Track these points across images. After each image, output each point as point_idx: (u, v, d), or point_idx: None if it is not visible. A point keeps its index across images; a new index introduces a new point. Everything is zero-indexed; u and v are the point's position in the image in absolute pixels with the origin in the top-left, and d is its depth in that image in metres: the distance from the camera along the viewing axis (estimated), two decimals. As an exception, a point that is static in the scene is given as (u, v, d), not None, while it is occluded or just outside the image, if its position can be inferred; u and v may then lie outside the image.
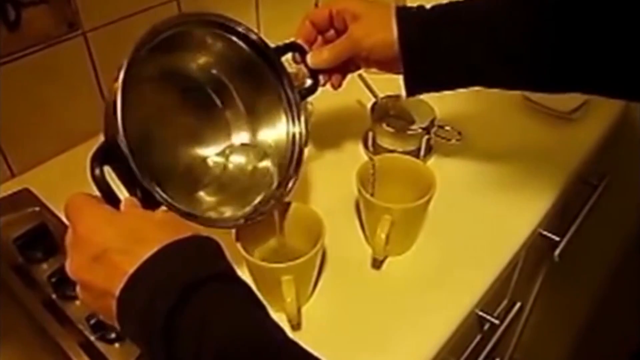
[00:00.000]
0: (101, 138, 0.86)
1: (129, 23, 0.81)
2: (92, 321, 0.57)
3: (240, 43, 0.60)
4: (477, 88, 0.65)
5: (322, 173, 0.78)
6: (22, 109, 0.75)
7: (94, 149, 0.49)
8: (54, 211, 0.71)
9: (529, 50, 0.59)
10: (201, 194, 0.63)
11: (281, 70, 0.62)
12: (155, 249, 0.39)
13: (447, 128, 0.81)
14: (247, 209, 0.59)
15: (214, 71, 0.63)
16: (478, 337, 0.82)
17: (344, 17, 0.64)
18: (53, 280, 0.62)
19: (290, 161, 0.62)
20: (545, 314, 1.27)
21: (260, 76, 0.62)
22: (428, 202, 0.63)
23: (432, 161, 0.81)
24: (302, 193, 0.67)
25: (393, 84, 0.91)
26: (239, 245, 0.57)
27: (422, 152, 0.79)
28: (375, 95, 0.80)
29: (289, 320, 0.58)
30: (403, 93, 0.66)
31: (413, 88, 0.65)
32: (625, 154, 1.04)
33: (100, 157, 0.48)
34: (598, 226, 1.07)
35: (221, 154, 0.64)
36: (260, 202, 0.60)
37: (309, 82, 0.67)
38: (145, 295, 0.38)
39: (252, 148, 0.64)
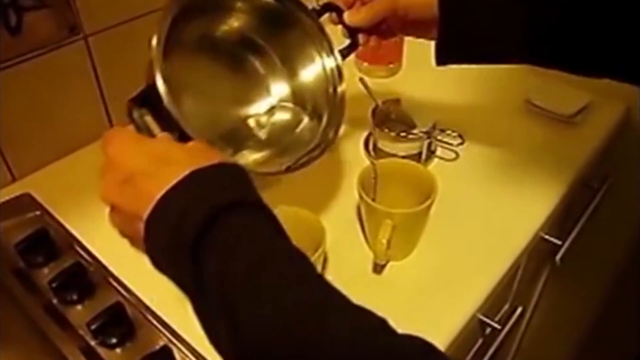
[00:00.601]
0: (100, 144, 0.86)
1: (130, 27, 0.82)
2: (93, 326, 0.57)
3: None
4: (498, 64, 0.64)
5: (324, 177, 0.78)
6: (23, 113, 0.75)
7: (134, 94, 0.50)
8: (55, 216, 0.71)
9: (567, 27, 0.58)
10: (244, 152, 0.63)
11: (311, 14, 0.63)
12: (184, 173, 0.39)
13: (449, 132, 0.81)
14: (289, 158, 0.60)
15: (243, 30, 0.64)
16: (479, 342, 0.82)
17: None
18: (54, 285, 0.62)
19: (334, 97, 0.64)
20: (547, 318, 1.26)
21: (289, 25, 0.64)
22: (429, 206, 0.63)
23: (433, 165, 0.81)
24: (303, 197, 0.67)
25: (394, 88, 0.91)
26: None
27: (423, 156, 0.79)
28: (375, 100, 0.80)
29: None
30: (433, 61, 0.65)
31: (444, 56, 0.64)
32: (627, 157, 1.03)
33: (139, 101, 0.50)
34: (600, 230, 1.06)
35: (263, 114, 0.65)
36: (309, 150, 0.60)
37: (347, 42, 0.67)
38: (174, 217, 0.38)
39: (292, 108, 0.66)
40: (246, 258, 0.37)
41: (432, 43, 0.65)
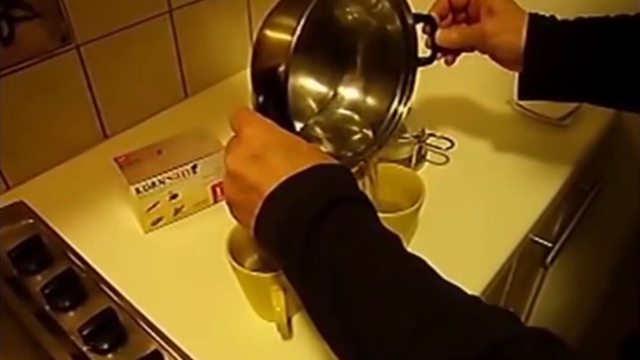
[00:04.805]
0: (95, 153, 0.87)
1: (122, 36, 0.82)
2: (85, 332, 0.58)
3: (395, 14, 0.62)
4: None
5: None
6: (16, 122, 0.76)
7: (255, 78, 0.52)
8: (48, 223, 0.71)
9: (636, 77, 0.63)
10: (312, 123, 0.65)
11: (413, 44, 0.64)
12: (311, 164, 0.44)
13: (439, 136, 0.82)
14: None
15: (357, 29, 0.65)
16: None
17: (480, 7, 0.68)
18: (46, 292, 0.62)
19: (384, 132, 0.65)
20: (540, 321, 1.27)
21: (392, 54, 0.65)
22: (417, 210, 0.64)
23: (423, 169, 0.81)
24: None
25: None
26: (229, 256, 0.57)
27: (413, 161, 0.80)
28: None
29: (278, 330, 0.59)
30: (515, 95, 0.70)
31: (526, 93, 0.69)
32: (618, 159, 1.04)
33: (261, 87, 0.52)
34: (591, 232, 1.07)
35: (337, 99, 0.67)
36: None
37: (428, 52, 0.71)
38: (295, 200, 0.43)
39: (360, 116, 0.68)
40: (358, 242, 0.42)
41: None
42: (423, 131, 0.79)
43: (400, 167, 0.71)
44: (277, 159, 0.45)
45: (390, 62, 0.65)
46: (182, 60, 0.94)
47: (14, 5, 0.69)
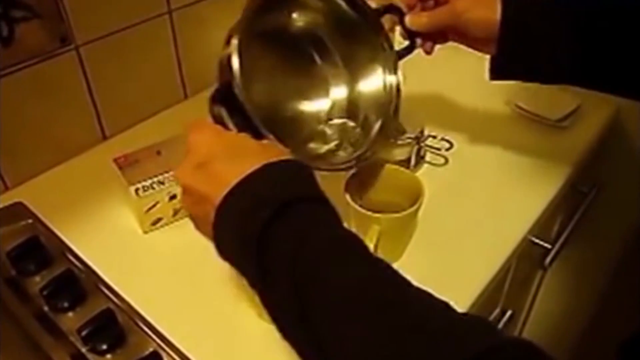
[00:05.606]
0: (94, 153, 0.88)
1: (121, 37, 0.82)
2: (84, 333, 0.58)
3: (342, 3, 0.64)
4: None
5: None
6: (15, 122, 0.76)
7: (212, 91, 0.54)
8: (47, 224, 0.71)
9: (619, 53, 0.60)
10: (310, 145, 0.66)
11: (379, 28, 0.65)
12: (259, 165, 0.42)
13: (438, 137, 0.82)
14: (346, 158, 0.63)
15: (315, 29, 0.66)
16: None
17: None
18: (45, 292, 0.62)
19: (388, 108, 0.65)
20: (539, 322, 1.27)
21: (359, 34, 0.66)
22: (416, 211, 0.64)
23: (422, 170, 0.81)
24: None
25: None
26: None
27: (412, 162, 0.80)
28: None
29: None
30: (487, 74, 0.67)
31: (499, 72, 0.66)
32: (616, 161, 1.04)
33: (218, 98, 0.53)
34: (590, 234, 1.07)
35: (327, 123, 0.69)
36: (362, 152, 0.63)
37: (405, 43, 0.69)
38: (246, 204, 0.41)
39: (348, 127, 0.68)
40: (315, 246, 0.40)
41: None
42: (422, 132, 0.79)
43: (400, 168, 0.71)
44: (224, 165, 0.43)
45: (367, 49, 0.66)
46: (181, 61, 0.94)
47: (14, 6, 0.69)
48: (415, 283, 0.39)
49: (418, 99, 0.91)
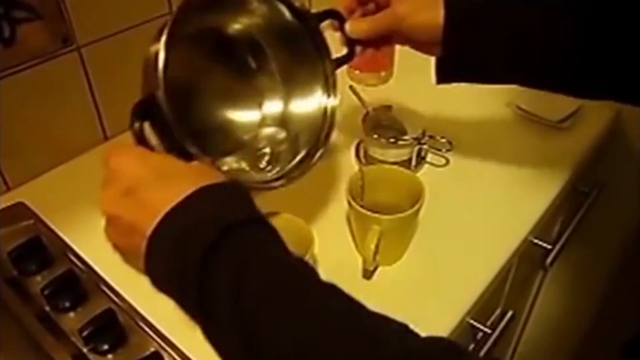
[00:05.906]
0: (96, 154, 0.88)
1: (123, 38, 0.83)
2: (85, 333, 0.58)
3: (283, 8, 0.61)
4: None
5: (314, 184, 0.79)
6: (17, 123, 0.76)
7: (134, 103, 0.49)
8: (49, 224, 0.72)
9: (566, 60, 0.59)
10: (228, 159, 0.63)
11: (321, 41, 0.62)
12: (193, 188, 0.39)
13: (438, 138, 0.82)
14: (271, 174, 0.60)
15: (254, 34, 0.63)
16: (471, 347, 0.82)
17: None
18: (46, 292, 0.63)
19: (320, 133, 0.62)
20: (540, 323, 1.27)
21: (300, 45, 0.63)
22: (417, 212, 0.64)
23: (423, 171, 0.81)
24: (293, 204, 0.67)
25: (385, 96, 0.92)
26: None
27: (413, 162, 0.80)
28: (366, 107, 0.80)
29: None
30: (433, 78, 0.65)
31: (446, 75, 0.64)
32: (617, 162, 1.04)
33: (140, 113, 0.48)
34: (591, 234, 1.07)
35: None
36: (286, 169, 0.60)
37: (344, 50, 0.66)
38: (181, 234, 0.37)
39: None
40: (258, 275, 0.37)
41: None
42: (423, 133, 0.79)
43: (400, 168, 0.71)
44: (153, 190, 0.39)
45: (306, 62, 0.63)
46: (182, 61, 0.94)
47: (15, 7, 0.69)
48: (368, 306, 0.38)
49: (420, 100, 0.91)
